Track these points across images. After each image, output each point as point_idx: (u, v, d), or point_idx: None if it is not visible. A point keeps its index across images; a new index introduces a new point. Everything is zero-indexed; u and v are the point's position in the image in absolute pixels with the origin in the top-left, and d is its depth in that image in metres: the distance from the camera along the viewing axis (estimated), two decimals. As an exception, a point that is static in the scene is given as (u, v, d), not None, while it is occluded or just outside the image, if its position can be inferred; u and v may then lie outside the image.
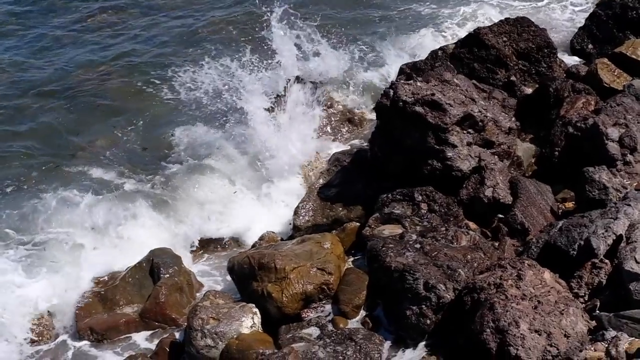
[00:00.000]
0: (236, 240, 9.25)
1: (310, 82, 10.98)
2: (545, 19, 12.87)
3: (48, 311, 8.14)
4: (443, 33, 12.94)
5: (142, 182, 10.04)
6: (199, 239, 9.18)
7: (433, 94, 7.97)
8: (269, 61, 11.19)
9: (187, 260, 8.75)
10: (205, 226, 9.29)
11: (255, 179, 9.95)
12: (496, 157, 8.17)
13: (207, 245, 9.25)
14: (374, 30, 13.26)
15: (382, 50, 12.54)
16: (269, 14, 11.05)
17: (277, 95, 10.68)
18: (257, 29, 12.45)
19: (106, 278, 8.53)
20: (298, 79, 10.90)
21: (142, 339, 7.85)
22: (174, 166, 10.29)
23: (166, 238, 9.09)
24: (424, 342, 6.35)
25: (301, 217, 8.61)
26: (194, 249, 9.12)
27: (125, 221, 9.16)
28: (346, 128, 10.74)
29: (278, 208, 9.44)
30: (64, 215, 9.22)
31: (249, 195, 9.73)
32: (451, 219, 7.60)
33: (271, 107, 10.48)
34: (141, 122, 11.34)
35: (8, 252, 8.71)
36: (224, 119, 10.88)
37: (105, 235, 9.01)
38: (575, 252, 6.33)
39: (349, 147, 10.05)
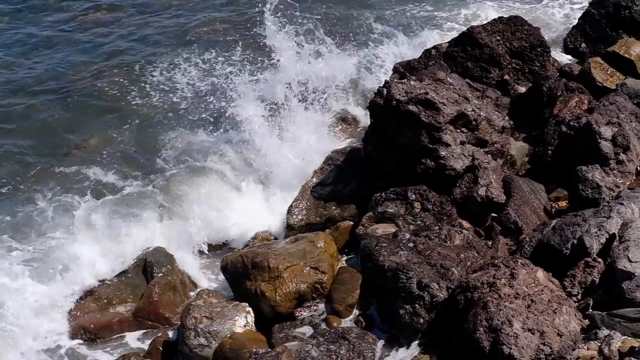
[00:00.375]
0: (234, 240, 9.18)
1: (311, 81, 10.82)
2: (541, 17, 12.82)
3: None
4: (447, 34, 12.82)
5: (140, 182, 9.87)
6: (204, 240, 9.00)
7: (426, 93, 7.97)
8: (269, 60, 11.12)
9: (189, 261, 8.69)
10: (207, 226, 9.14)
11: (257, 178, 9.82)
12: (490, 156, 8.18)
13: (208, 246, 9.13)
14: (374, 30, 13.19)
15: (381, 49, 12.47)
16: (265, 10, 10.90)
17: (279, 97, 10.50)
18: (255, 28, 12.36)
19: (100, 278, 8.50)
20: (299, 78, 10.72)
21: (135, 339, 7.82)
22: (172, 167, 10.12)
23: (166, 239, 8.95)
24: (417, 341, 6.36)
25: (294, 216, 8.60)
26: (196, 250, 8.97)
27: (125, 223, 9.05)
28: (340, 127, 10.69)
29: (278, 208, 9.34)
30: (63, 218, 9.10)
31: (253, 196, 9.62)
32: (444, 218, 7.61)
33: (275, 105, 10.34)
34: (137, 122, 11.20)
35: (11, 254, 8.57)
36: (223, 118, 10.75)
37: (105, 237, 8.88)
38: (568, 251, 6.34)
39: (342, 146, 9.99)
